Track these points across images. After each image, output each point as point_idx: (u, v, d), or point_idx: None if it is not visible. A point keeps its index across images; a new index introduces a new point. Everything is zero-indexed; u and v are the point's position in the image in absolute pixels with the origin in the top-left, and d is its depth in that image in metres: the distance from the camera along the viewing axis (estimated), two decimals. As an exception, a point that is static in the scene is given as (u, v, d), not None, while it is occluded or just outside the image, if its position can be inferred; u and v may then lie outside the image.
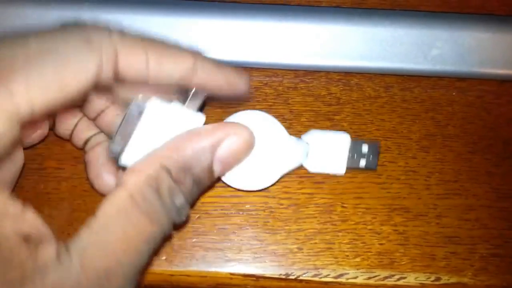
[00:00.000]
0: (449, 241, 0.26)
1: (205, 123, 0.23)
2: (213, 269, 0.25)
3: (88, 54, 0.19)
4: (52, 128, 0.27)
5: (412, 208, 0.27)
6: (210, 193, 0.27)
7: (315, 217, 0.26)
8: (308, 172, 0.27)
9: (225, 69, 0.24)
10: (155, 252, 0.23)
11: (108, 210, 0.20)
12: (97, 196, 0.26)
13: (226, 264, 0.25)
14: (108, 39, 0.20)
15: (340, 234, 0.26)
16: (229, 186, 0.27)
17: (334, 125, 0.28)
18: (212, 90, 0.24)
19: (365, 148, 0.26)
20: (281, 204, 0.27)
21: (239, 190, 0.26)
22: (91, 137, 0.26)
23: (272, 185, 0.26)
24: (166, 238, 0.22)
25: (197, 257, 0.25)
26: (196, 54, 0.22)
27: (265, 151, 0.25)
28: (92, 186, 0.26)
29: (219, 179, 0.24)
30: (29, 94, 0.18)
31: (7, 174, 0.24)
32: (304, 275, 0.25)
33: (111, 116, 0.26)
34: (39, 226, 0.19)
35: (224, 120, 0.25)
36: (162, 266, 0.25)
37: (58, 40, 0.19)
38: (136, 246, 0.20)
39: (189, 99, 0.24)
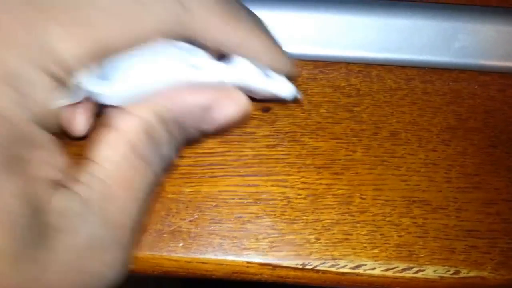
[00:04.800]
0: (469, 235, 0.26)
1: None
2: (229, 257, 0.25)
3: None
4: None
5: (432, 200, 0.26)
6: (227, 181, 0.27)
7: (333, 208, 0.26)
8: (325, 163, 0.27)
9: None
10: (150, 199, 0.22)
11: (108, 156, 0.19)
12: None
13: (242, 253, 0.25)
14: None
15: (358, 225, 0.26)
16: (246, 175, 0.27)
17: (353, 116, 0.28)
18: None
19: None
20: (299, 194, 0.26)
21: None
22: None
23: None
24: (157, 185, 0.22)
25: (214, 245, 0.25)
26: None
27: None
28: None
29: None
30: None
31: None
32: (321, 265, 0.25)
33: None
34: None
35: None
36: (178, 253, 0.25)
37: None
38: (137, 192, 0.20)
39: None
